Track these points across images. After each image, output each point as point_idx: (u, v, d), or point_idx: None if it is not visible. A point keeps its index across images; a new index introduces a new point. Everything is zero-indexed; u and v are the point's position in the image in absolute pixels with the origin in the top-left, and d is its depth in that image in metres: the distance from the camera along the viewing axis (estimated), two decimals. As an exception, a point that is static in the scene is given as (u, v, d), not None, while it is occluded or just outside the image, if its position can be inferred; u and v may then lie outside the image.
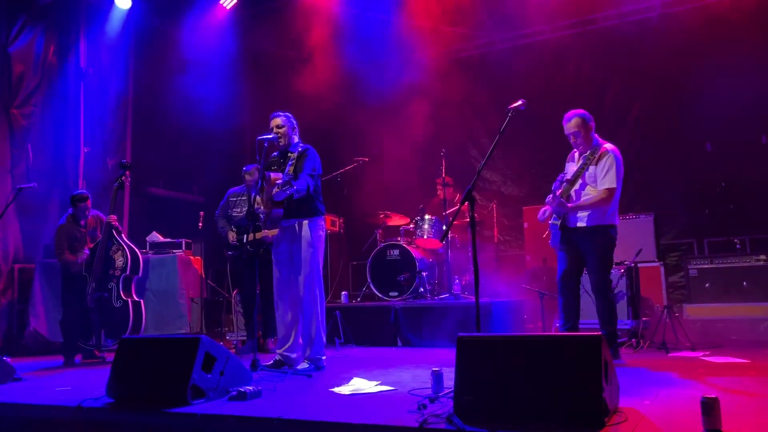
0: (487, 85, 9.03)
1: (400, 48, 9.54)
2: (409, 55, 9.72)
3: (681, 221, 7.88)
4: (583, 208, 4.81)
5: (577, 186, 4.85)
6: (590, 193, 4.79)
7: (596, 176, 4.77)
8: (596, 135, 4.93)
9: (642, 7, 8.25)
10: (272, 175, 4.74)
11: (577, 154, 5.01)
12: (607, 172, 4.73)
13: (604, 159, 4.76)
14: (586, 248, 4.82)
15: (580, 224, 4.82)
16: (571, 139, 4.93)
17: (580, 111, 4.90)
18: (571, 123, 4.87)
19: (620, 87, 8.25)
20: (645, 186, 7.91)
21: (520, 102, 4.15)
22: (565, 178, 4.95)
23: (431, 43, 9.47)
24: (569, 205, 4.80)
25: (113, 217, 6.18)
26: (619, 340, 5.99)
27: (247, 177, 6.55)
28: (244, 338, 6.93)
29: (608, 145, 4.84)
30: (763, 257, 6.53)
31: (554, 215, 4.93)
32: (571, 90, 8.33)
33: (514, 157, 9.15)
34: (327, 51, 9.29)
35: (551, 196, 4.81)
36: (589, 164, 4.80)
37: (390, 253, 7.51)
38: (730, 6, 7.46)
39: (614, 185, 4.70)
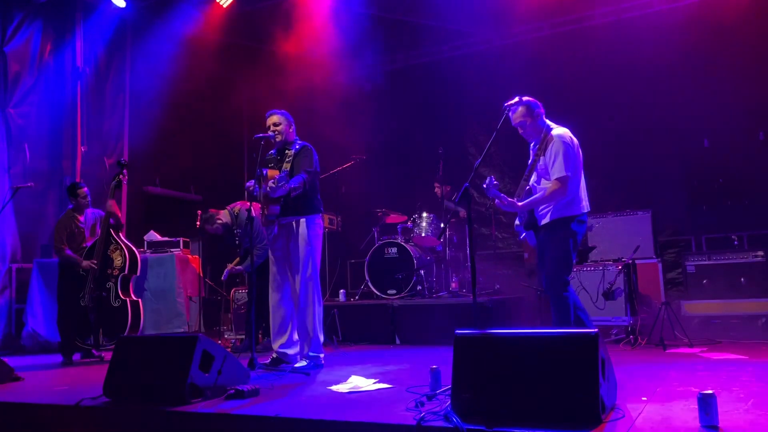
0: (485, 83, 9.02)
1: (397, 45, 9.54)
2: (406, 52, 9.73)
3: (679, 218, 7.88)
4: (535, 203, 4.42)
5: (532, 182, 4.49)
6: (545, 186, 4.40)
7: (546, 167, 4.37)
8: (546, 122, 4.51)
9: (639, 3, 8.25)
10: (268, 172, 4.74)
11: (531, 147, 4.62)
12: (554, 160, 4.29)
13: (550, 147, 4.33)
14: (546, 243, 4.46)
15: (543, 221, 4.46)
16: (519, 131, 4.54)
17: (525, 99, 4.44)
18: (516, 113, 4.45)
19: (617, 83, 8.24)
20: (642, 182, 7.91)
21: (516, 99, 4.13)
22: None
23: (428, 40, 9.48)
24: (519, 204, 4.41)
25: (112, 202, 6.14)
26: (617, 337, 6.03)
27: (207, 227, 6.64)
28: (243, 337, 6.93)
29: (556, 131, 4.41)
30: (760, 253, 6.53)
31: (517, 217, 4.63)
32: (568, 87, 8.32)
33: (512, 154, 9.14)
34: (325, 49, 9.28)
35: (497, 201, 4.39)
36: (540, 155, 4.41)
37: (388, 251, 7.51)
38: (728, 2, 7.46)
39: (564, 173, 4.25)
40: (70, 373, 5.32)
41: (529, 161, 4.57)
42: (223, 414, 3.21)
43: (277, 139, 4.95)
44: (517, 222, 4.68)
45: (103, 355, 6.16)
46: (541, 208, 4.46)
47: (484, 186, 4.37)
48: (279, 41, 9.10)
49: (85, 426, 3.54)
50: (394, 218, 8.16)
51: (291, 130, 5.03)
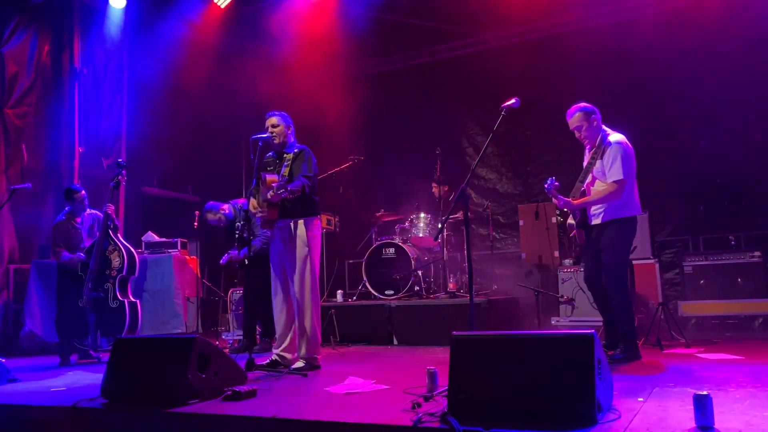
0: (482, 83, 9.04)
1: (395, 46, 9.54)
2: (403, 53, 9.73)
3: (676, 218, 7.90)
4: (591, 203, 4.73)
5: (587, 182, 4.78)
6: (599, 188, 4.72)
7: (603, 170, 4.67)
8: (604, 127, 4.82)
9: (637, 4, 8.26)
10: (267, 176, 4.73)
11: (587, 150, 4.92)
12: (612, 164, 4.60)
13: (608, 151, 4.65)
14: (601, 244, 4.72)
15: (595, 221, 4.75)
16: (576, 135, 4.84)
17: (582, 105, 4.81)
18: (573, 118, 4.80)
19: (614, 85, 8.25)
20: (639, 183, 7.90)
21: (513, 100, 4.14)
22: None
23: (426, 41, 9.48)
24: (575, 202, 4.73)
25: (111, 206, 6.14)
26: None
27: (210, 216, 6.66)
28: (240, 337, 6.93)
29: (614, 137, 4.71)
30: (757, 254, 6.55)
31: (571, 215, 4.95)
32: (566, 88, 8.31)
33: (509, 154, 9.17)
34: (323, 49, 9.29)
35: (555, 200, 4.78)
36: (596, 159, 4.71)
37: (385, 251, 7.51)
38: (724, 4, 7.48)
39: (621, 176, 4.56)
40: (67, 374, 5.31)
41: (584, 164, 4.85)
42: (220, 415, 3.21)
43: (275, 141, 4.94)
44: (570, 221, 4.98)
45: (100, 356, 6.15)
46: (593, 208, 4.75)
47: (546, 186, 4.74)
48: (277, 41, 9.11)
49: (82, 427, 3.54)
50: (391, 218, 8.16)
51: (290, 132, 5.03)
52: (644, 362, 4.63)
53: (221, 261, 6.63)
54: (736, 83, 7.34)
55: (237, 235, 6.46)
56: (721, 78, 7.41)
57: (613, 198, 4.62)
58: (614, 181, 4.60)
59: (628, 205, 4.70)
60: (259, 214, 4.79)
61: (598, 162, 4.69)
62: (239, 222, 6.57)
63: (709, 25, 7.50)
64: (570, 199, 4.72)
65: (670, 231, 7.95)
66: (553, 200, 4.82)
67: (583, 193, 4.77)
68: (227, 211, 6.61)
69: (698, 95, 7.56)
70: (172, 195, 9.61)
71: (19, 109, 7.80)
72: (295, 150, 4.94)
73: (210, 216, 6.64)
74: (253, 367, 4.50)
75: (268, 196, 4.56)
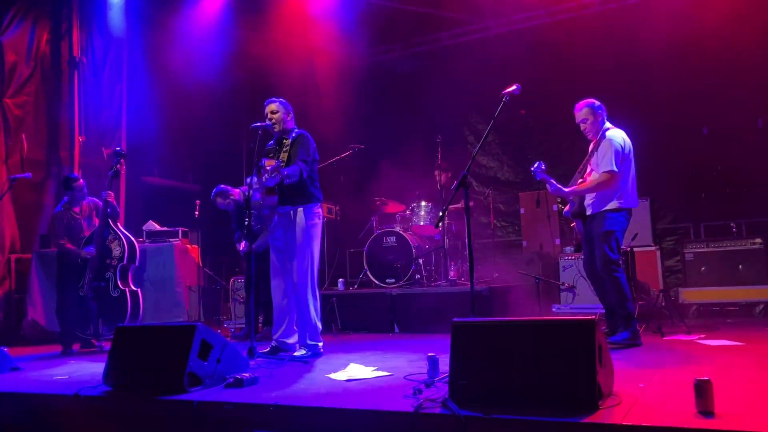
0: (483, 70, 8.99)
1: (395, 34, 9.50)
2: (404, 40, 9.68)
3: (677, 205, 7.89)
4: (581, 191, 4.90)
5: (585, 173, 4.97)
6: (592, 179, 4.88)
7: (598, 162, 4.83)
8: (606, 123, 4.97)
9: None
10: (267, 162, 4.73)
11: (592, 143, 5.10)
12: (604, 155, 4.76)
13: (602, 143, 4.82)
14: (594, 233, 4.87)
15: (588, 212, 4.93)
16: (581, 127, 5.01)
17: (590, 100, 4.97)
18: (581, 112, 4.97)
19: (616, 71, 8.21)
20: (641, 170, 7.85)
21: (514, 87, 4.13)
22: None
23: (427, 28, 9.43)
24: (566, 189, 4.90)
25: (110, 193, 6.13)
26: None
27: (219, 200, 6.69)
28: (242, 325, 6.95)
29: (611, 131, 4.86)
30: (758, 241, 6.55)
31: (569, 203, 5.11)
32: (567, 75, 8.29)
33: (510, 142, 9.15)
34: (323, 37, 9.25)
35: (548, 185, 4.93)
36: (594, 151, 4.90)
37: (386, 240, 7.51)
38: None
39: (610, 167, 4.70)
40: (69, 362, 5.33)
41: (586, 156, 5.03)
42: (222, 402, 3.22)
43: (275, 128, 4.93)
44: (565, 209, 5.20)
45: (102, 344, 6.17)
46: (588, 198, 4.92)
47: (532, 170, 4.89)
48: (278, 29, 9.06)
49: (84, 415, 3.55)
50: (392, 207, 8.15)
51: (289, 119, 5.01)
52: (645, 348, 4.64)
53: (236, 237, 6.71)
54: (739, 70, 7.30)
55: (246, 222, 6.46)
56: (723, 64, 7.36)
57: (603, 188, 4.77)
58: (604, 172, 4.74)
59: (623, 197, 4.81)
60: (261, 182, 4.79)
61: (595, 154, 4.88)
62: (247, 210, 6.58)
63: (712, 12, 7.44)
64: (562, 186, 4.90)
65: (671, 218, 7.94)
66: (547, 186, 4.95)
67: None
68: (237, 198, 6.62)
69: (700, 82, 7.52)
70: (172, 184, 9.60)
71: (18, 99, 7.78)
72: (294, 135, 4.93)
73: (220, 200, 6.66)
74: (254, 354, 4.52)
75: (263, 179, 4.56)
